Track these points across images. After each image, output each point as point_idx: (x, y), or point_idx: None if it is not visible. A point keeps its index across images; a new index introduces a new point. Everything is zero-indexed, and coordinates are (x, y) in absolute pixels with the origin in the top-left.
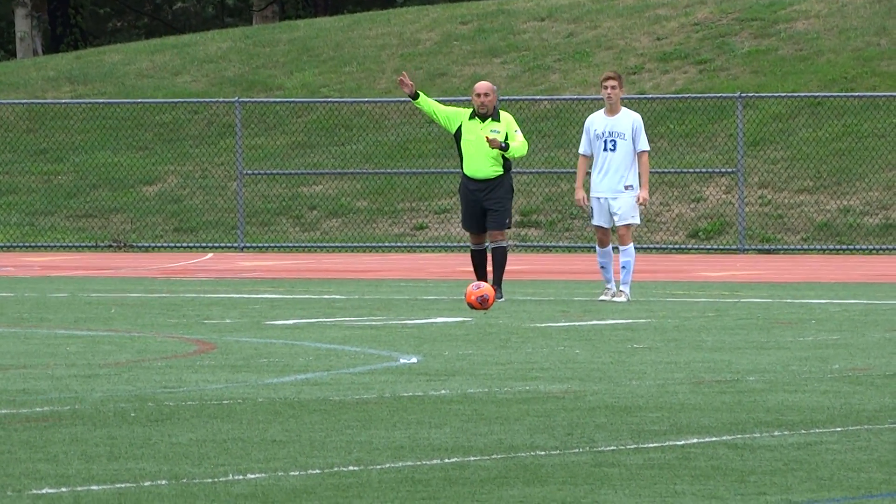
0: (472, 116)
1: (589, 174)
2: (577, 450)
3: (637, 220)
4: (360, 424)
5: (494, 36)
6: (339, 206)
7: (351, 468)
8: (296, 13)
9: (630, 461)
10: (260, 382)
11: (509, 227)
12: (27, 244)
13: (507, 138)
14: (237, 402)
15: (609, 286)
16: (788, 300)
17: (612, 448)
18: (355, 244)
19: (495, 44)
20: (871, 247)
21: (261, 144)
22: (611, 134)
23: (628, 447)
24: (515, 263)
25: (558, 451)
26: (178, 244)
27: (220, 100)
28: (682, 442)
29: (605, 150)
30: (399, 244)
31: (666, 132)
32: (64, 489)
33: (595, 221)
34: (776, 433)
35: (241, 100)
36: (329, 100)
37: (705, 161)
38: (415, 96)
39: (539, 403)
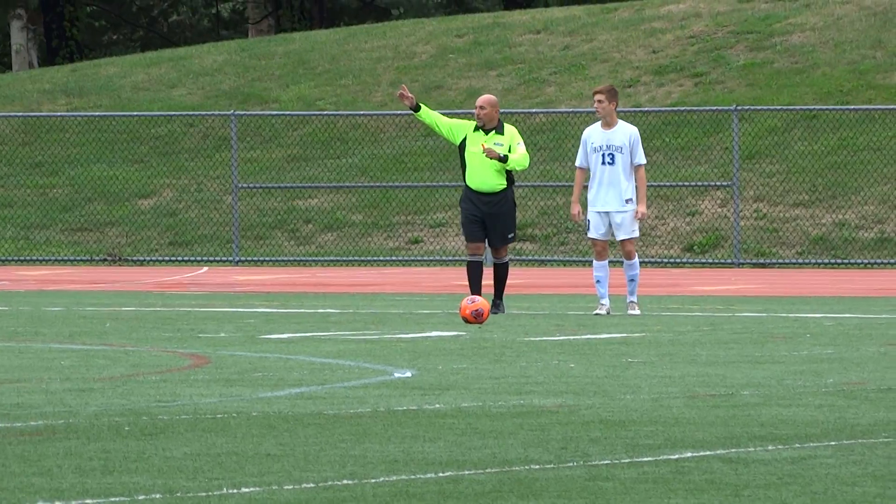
0: (476, 129)
1: (585, 187)
2: (571, 464)
3: (637, 234)
4: (355, 438)
5: (490, 49)
6: (335, 219)
7: (345, 482)
8: (291, 26)
9: (624, 475)
10: (254, 396)
11: (513, 241)
12: (22, 258)
13: (509, 151)
14: (231, 416)
15: (603, 301)
16: (783, 314)
17: (607, 462)
18: (350, 258)
19: (491, 57)
20: (866, 261)
21: (256, 158)
22: (608, 148)
23: (623, 461)
24: (510, 277)
25: (553, 465)
26: (174, 258)
27: (216, 113)
28: (677, 456)
29: (603, 163)
30: (394, 258)
31: (661, 145)
32: (58, 503)
33: (593, 235)
34: (770, 447)
35: (236, 113)
36: (325, 113)
37: (701, 174)
38: (416, 108)
39: (533, 417)
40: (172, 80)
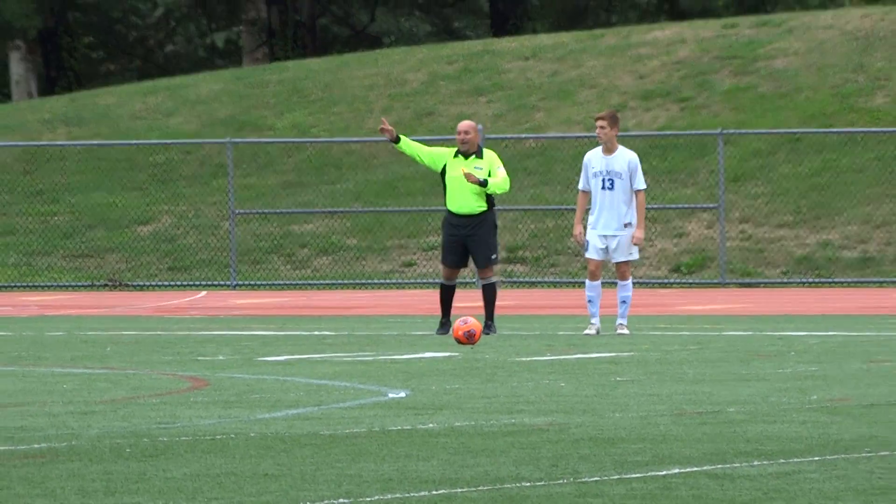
0: (456, 154)
1: (587, 210)
2: (561, 481)
3: (636, 256)
4: (350, 458)
5: (480, 76)
6: (330, 243)
7: (341, 500)
8: (285, 55)
9: (613, 492)
10: (252, 418)
11: (496, 263)
12: (24, 284)
13: (489, 175)
14: (230, 437)
15: (594, 321)
16: (768, 332)
17: (596, 479)
18: (345, 281)
19: (481, 83)
20: (849, 280)
21: (252, 184)
22: (608, 173)
23: (611, 478)
24: (501, 299)
25: (543, 483)
26: (172, 283)
27: (212, 140)
28: (664, 472)
29: (603, 188)
30: (388, 281)
31: (648, 169)
32: None
33: (591, 255)
34: (756, 463)
35: (232, 140)
36: (319, 140)
37: (687, 197)
38: (396, 140)
39: (524, 436)
40: (169, 109)
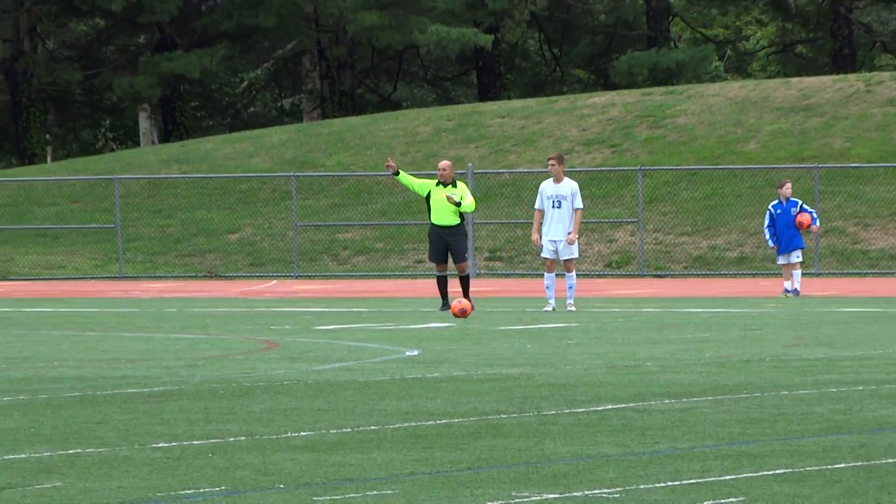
0: (438, 184)
1: (542, 223)
2: (528, 413)
3: (576, 255)
4: (379, 397)
5: (470, 128)
6: (364, 247)
7: (372, 427)
8: (333, 114)
9: (565, 421)
10: (309, 369)
11: (467, 260)
12: (148, 275)
13: (461, 198)
14: (293, 383)
15: (551, 301)
16: (674, 310)
17: (553, 412)
18: (375, 273)
19: (471, 134)
20: (731, 272)
21: (309, 205)
22: (557, 197)
23: (564, 412)
24: (485, 286)
25: (515, 415)
26: (252, 274)
27: (281, 174)
28: (602, 407)
29: (553, 207)
30: (405, 273)
31: (589, 194)
32: (174, 444)
33: (545, 255)
34: (666, 401)
35: (295, 174)
36: (357, 174)
37: (616, 214)
38: (396, 174)
39: (502, 382)
40: (250, 152)
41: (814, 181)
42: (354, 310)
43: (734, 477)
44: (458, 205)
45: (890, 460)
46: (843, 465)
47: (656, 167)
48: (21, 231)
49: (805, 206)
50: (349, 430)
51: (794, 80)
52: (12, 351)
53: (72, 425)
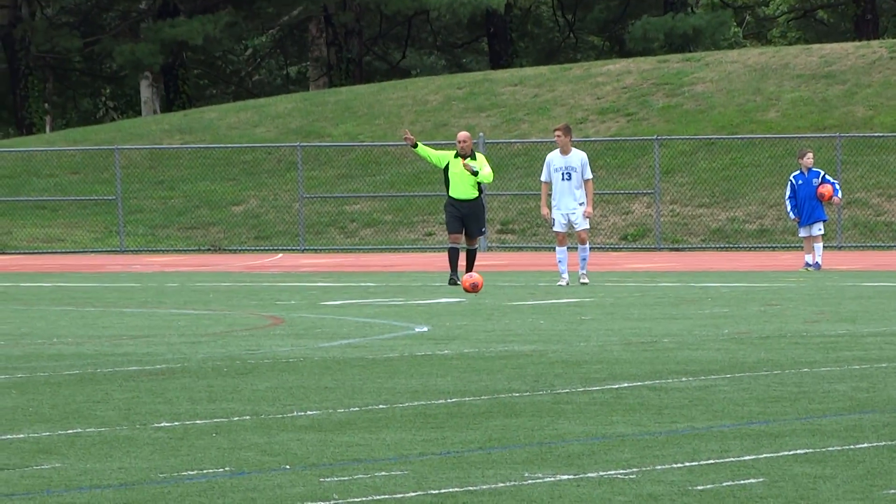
0: (456, 155)
1: (549, 195)
2: (541, 392)
3: (588, 226)
4: (387, 375)
5: (481, 97)
6: (372, 219)
7: (381, 406)
8: (340, 82)
9: (579, 400)
10: (316, 346)
11: (483, 234)
12: (150, 248)
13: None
14: (299, 360)
15: (564, 275)
16: (692, 284)
17: (567, 391)
18: (383, 247)
19: (482, 103)
20: (750, 245)
21: (316, 176)
22: (566, 168)
23: (578, 390)
24: (497, 259)
25: (528, 393)
26: (257, 248)
27: (287, 144)
28: (617, 385)
29: (563, 179)
30: (414, 246)
31: (604, 164)
32: (176, 423)
33: (556, 228)
34: (683, 379)
35: (301, 144)
36: (364, 144)
37: (632, 185)
38: (415, 146)
39: (514, 359)
40: (255, 122)
41: (835, 151)
42: (362, 284)
43: (754, 457)
44: (476, 173)
45: None
46: (866, 445)
47: (673, 136)
48: (19, 203)
49: (827, 177)
50: (357, 409)
51: (816, 46)
52: (10, 327)
53: (71, 404)
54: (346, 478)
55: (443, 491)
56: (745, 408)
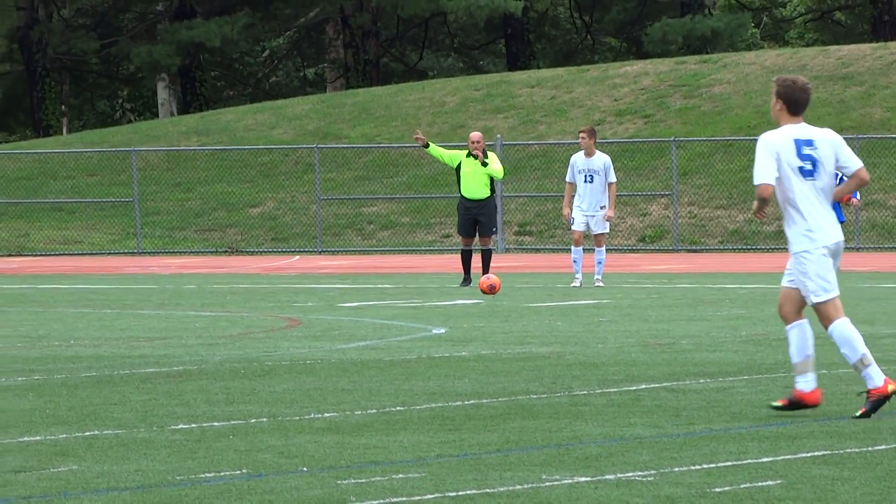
0: (468, 155)
1: (573, 196)
2: (559, 394)
3: (607, 230)
4: (405, 377)
5: (498, 99)
6: (389, 221)
7: (398, 408)
8: (357, 84)
9: (597, 402)
10: (333, 348)
11: (495, 234)
12: (167, 250)
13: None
14: (316, 362)
15: (578, 276)
16: (709, 285)
17: (584, 392)
18: (400, 248)
19: (499, 104)
20: (768, 247)
21: (333, 178)
22: (589, 171)
23: (596, 392)
24: (514, 261)
25: (546, 395)
26: (274, 249)
27: (304, 146)
28: (634, 387)
29: (585, 181)
30: (431, 248)
31: (621, 166)
32: (193, 425)
33: (575, 228)
34: (701, 380)
35: (318, 146)
36: (381, 145)
37: (649, 187)
38: (426, 146)
39: (532, 361)
40: (272, 123)
41: (854, 152)
42: (379, 286)
43: (772, 459)
44: (486, 164)
45: None
46: (883, 447)
47: (691, 138)
48: (36, 205)
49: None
50: (374, 411)
51: (833, 48)
52: (27, 329)
53: (88, 406)
54: (363, 480)
55: (460, 493)
56: (763, 410)
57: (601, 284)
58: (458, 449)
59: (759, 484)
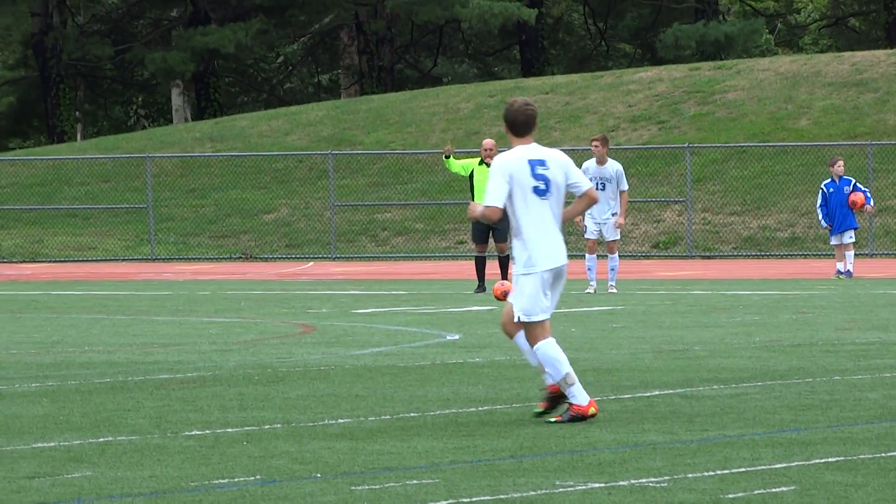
0: (481, 162)
1: None
2: None
3: (619, 237)
4: (419, 383)
5: None
6: (403, 227)
7: (412, 414)
8: (371, 90)
9: (611, 408)
10: (347, 354)
11: (507, 240)
12: (181, 256)
13: None
14: (331, 368)
15: (592, 283)
16: (723, 292)
17: (598, 398)
18: (414, 255)
19: None
20: (781, 253)
21: (347, 184)
22: (601, 178)
23: (609, 398)
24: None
25: None
26: (288, 256)
27: (318, 152)
28: (648, 394)
29: (597, 188)
30: (446, 254)
31: (635, 172)
32: (207, 431)
33: (588, 236)
34: (715, 387)
35: (333, 152)
36: (395, 152)
37: (663, 193)
38: (448, 157)
39: None
40: (286, 129)
41: (867, 159)
42: (393, 292)
43: (785, 465)
44: None
45: None
46: None
47: (705, 145)
48: (50, 211)
49: (858, 185)
50: (388, 417)
51: (847, 54)
52: (41, 335)
53: (102, 412)
54: (377, 486)
55: (474, 499)
56: (777, 416)
57: (615, 291)
58: (472, 455)
59: (773, 490)
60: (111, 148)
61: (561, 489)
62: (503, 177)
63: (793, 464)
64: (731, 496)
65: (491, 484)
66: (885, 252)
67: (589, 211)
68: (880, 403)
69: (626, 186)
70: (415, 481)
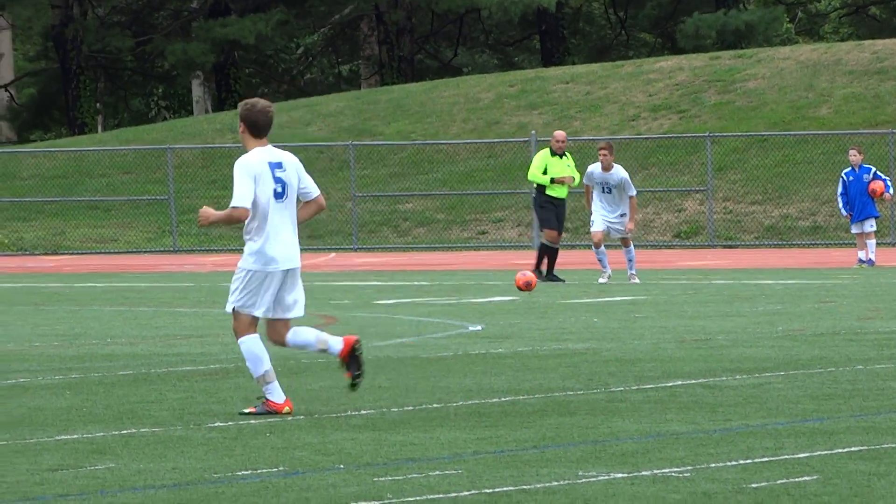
0: (553, 154)
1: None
2: (595, 390)
3: (629, 234)
4: (441, 374)
5: (533, 95)
6: (424, 218)
7: (435, 405)
8: (392, 81)
9: (633, 398)
10: (369, 345)
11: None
12: (203, 248)
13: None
14: None
15: (606, 270)
16: (745, 281)
17: (621, 389)
18: (436, 245)
19: (534, 100)
20: (803, 242)
21: (368, 175)
22: (607, 184)
23: (632, 388)
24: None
25: (582, 392)
26: (310, 247)
27: (339, 143)
28: (671, 384)
29: (603, 192)
30: (467, 245)
31: (656, 161)
32: (230, 423)
33: (594, 228)
34: (737, 377)
35: (353, 143)
36: (416, 142)
37: (684, 182)
38: (551, 182)
39: (568, 357)
40: (307, 120)
41: (888, 147)
42: (415, 283)
43: (808, 455)
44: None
45: None
46: None
47: (725, 133)
48: (71, 203)
49: (879, 173)
50: (411, 408)
51: (868, 42)
52: (64, 328)
53: (125, 404)
54: (399, 477)
55: (497, 490)
56: (800, 405)
57: (636, 280)
58: (495, 445)
59: (796, 480)
60: (132, 139)
61: (584, 479)
62: (249, 177)
63: (816, 453)
64: (754, 486)
65: (514, 474)
66: None
67: (600, 206)
68: None
69: (633, 192)
70: (438, 472)
